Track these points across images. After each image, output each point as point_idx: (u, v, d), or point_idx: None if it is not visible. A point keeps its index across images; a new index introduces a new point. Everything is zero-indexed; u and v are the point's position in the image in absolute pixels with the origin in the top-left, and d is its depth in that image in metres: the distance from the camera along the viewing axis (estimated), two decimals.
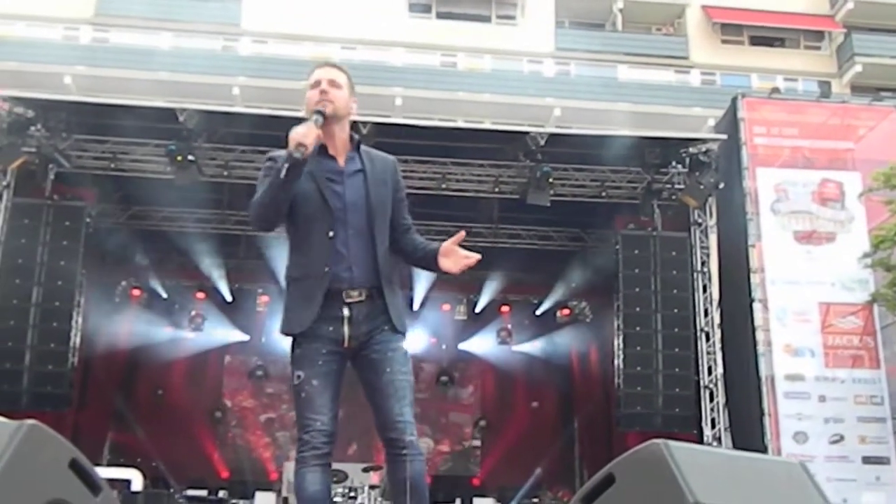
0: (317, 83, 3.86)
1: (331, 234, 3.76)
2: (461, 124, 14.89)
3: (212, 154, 13.57)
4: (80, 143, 13.38)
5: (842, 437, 12.75)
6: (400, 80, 23.44)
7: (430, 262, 3.91)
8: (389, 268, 3.86)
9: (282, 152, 3.68)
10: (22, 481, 2.64)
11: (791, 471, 3.09)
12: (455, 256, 3.82)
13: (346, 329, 3.76)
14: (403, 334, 3.87)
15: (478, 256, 3.80)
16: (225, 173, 13.86)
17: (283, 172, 3.56)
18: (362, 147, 3.98)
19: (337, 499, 14.65)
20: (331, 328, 3.75)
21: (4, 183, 13.26)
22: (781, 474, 3.06)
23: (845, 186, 13.97)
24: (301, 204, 3.77)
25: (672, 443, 2.76)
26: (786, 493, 2.90)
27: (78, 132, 13.19)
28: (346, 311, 3.76)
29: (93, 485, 2.93)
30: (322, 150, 3.81)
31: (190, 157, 12.93)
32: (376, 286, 3.80)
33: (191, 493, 15.35)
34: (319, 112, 3.70)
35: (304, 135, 3.55)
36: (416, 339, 17.08)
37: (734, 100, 14.34)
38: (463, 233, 3.85)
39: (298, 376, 3.75)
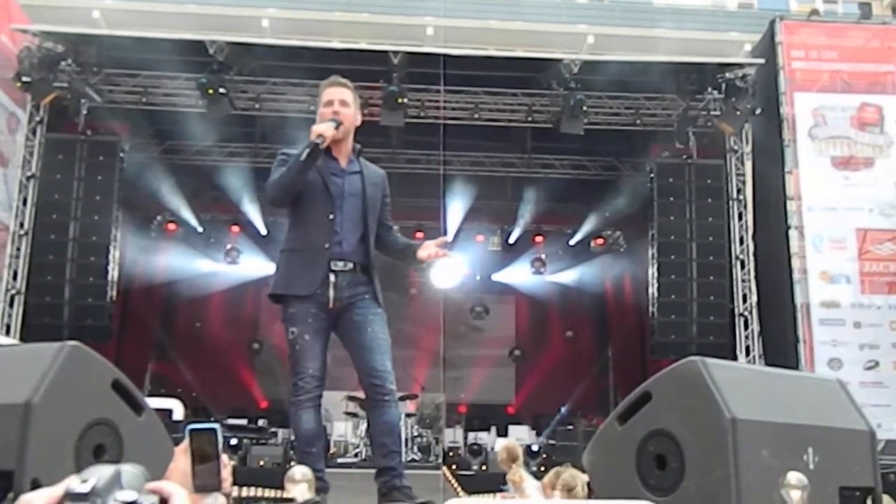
0: (329, 103, 4.62)
1: (331, 216, 4.51)
2: (493, 53, 14.63)
3: (243, 87, 13.55)
4: (111, 78, 13.40)
5: (877, 363, 12.67)
6: (431, 9, 23.01)
7: (408, 255, 4.75)
8: (372, 255, 4.64)
9: (293, 150, 4.55)
10: (66, 401, 2.68)
11: (827, 387, 3.07)
12: (430, 249, 4.63)
13: (331, 292, 4.46)
14: (382, 308, 4.60)
15: (447, 253, 4.75)
16: (256, 106, 13.84)
17: (304, 156, 4.37)
18: (361, 157, 4.80)
19: None
20: (318, 291, 4.45)
21: (38, 118, 13.35)
22: (818, 390, 3.05)
23: (885, 110, 13.64)
24: (307, 190, 4.53)
25: (709, 360, 2.75)
26: (822, 408, 2.89)
27: (108, 66, 13.20)
28: (332, 277, 4.48)
29: (136, 405, 2.98)
30: (327, 151, 4.60)
31: (221, 90, 12.90)
32: (361, 262, 4.56)
33: (231, 421, 15.61)
34: (335, 121, 4.52)
35: (325, 129, 4.43)
36: (451, 271, 17.07)
37: (772, 23, 14.00)
38: (444, 239, 4.81)
39: (292, 332, 4.47)
